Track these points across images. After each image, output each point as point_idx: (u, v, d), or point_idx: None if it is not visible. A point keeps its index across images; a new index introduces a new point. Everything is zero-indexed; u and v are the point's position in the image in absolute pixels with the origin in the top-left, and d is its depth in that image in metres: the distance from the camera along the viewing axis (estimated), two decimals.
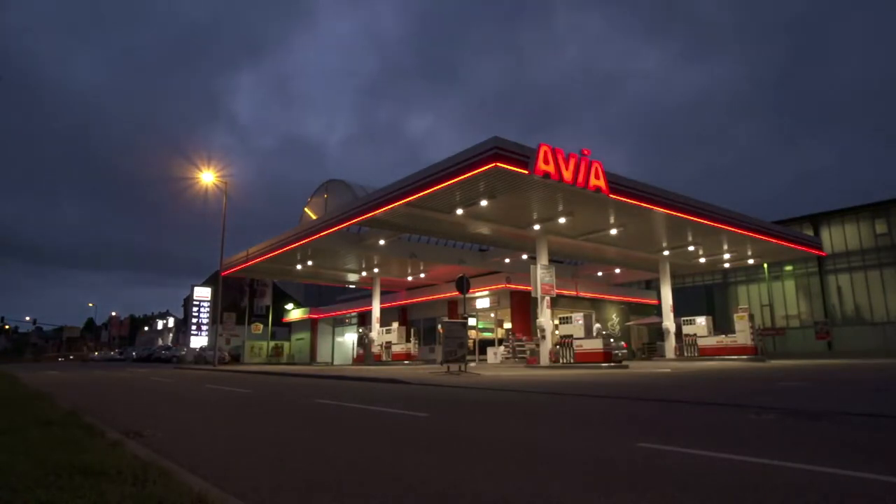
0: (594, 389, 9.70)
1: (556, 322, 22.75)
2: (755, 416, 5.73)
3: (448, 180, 16.35)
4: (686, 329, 25.98)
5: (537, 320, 21.37)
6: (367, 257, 29.05)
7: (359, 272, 32.55)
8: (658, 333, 31.02)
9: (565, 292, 30.86)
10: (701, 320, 25.68)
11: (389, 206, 18.69)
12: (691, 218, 20.59)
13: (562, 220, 20.21)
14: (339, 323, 45.02)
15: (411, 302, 36.78)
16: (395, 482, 3.21)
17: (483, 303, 32.95)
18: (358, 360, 35.27)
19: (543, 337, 20.91)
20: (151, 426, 5.76)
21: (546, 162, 15.46)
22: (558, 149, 15.85)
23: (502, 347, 28.88)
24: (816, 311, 34.58)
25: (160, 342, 73.60)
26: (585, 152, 16.55)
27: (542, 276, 20.60)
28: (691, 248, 26.01)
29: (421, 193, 17.34)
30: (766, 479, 3.05)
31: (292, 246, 25.78)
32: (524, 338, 28.52)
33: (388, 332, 31.39)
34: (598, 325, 21.14)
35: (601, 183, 16.76)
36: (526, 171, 15.39)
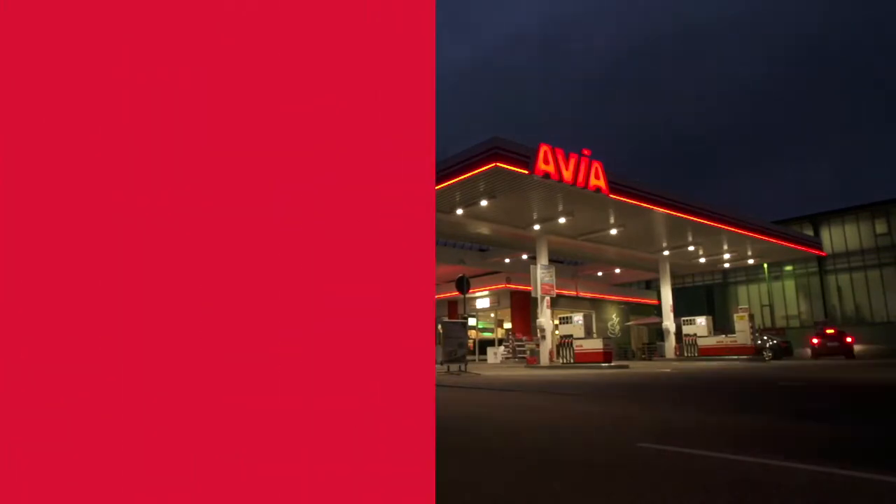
0: (594, 389, 9.69)
1: (556, 322, 22.75)
2: (755, 415, 5.72)
3: (448, 180, 16.36)
4: (686, 329, 25.98)
5: (537, 320, 21.37)
6: None
7: None
8: (658, 334, 31.03)
9: (565, 292, 30.85)
10: (701, 320, 25.66)
11: None
12: (691, 218, 20.61)
13: (562, 220, 20.22)
14: None
15: None
16: None
17: (483, 303, 32.95)
18: None
19: (543, 337, 20.91)
20: None
21: (546, 162, 15.48)
22: (558, 148, 15.87)
23: (502, 347, 28.90)
24: (816, 312, 34.58)
25: None
26: (585, 152, 16.57)
27: (542, 276, 20.61)
28: (691, 248, 26.03)
29: None
30: (766, 478, 3.04)
31: None
32: (524, 338, 28.53)
33: None
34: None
35: (601, 183, 16.78)
36: (526, 171, 15.40)
